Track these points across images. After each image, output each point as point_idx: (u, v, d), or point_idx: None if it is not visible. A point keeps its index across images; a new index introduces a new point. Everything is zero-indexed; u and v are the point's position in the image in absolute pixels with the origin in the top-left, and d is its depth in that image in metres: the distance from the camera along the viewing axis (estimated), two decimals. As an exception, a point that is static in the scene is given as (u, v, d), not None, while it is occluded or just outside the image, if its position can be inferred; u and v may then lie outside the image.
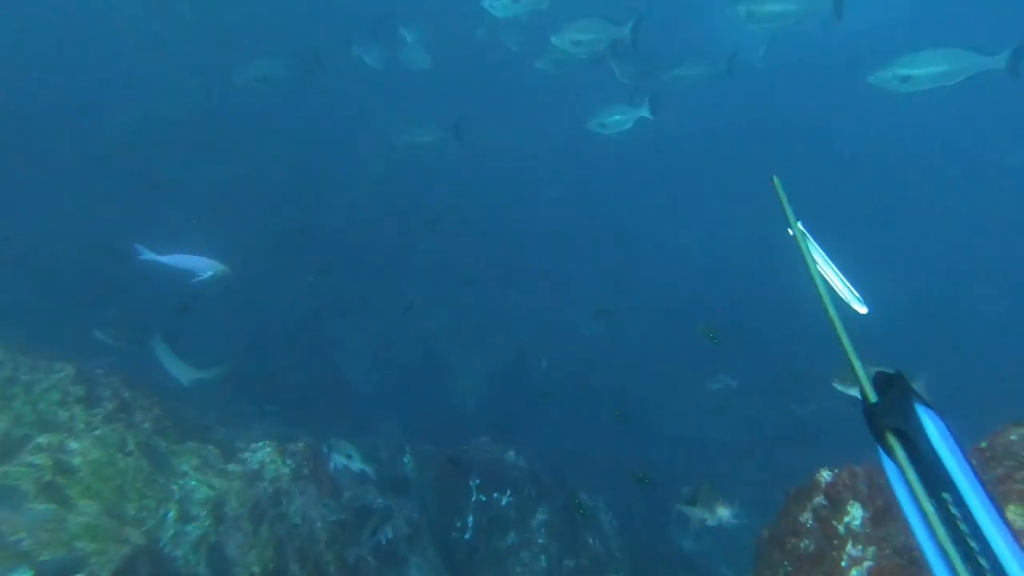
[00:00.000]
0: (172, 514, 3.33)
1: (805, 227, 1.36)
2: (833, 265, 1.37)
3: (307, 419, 6.15)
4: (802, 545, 3.38)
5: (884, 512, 3.01)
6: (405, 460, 6.30)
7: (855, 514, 3.16)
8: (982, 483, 0.95)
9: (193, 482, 3.51)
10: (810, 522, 3.43)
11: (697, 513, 4.67)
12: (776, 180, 1.46)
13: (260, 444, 4.28)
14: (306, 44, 7.84)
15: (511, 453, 6.92)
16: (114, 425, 3.56)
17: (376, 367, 8.01)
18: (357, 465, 4.82)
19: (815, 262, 1.34)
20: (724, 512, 4.51)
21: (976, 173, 11.33)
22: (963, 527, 0.90)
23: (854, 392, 3.71)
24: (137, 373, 4.50)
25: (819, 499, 3.44)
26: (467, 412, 8.05)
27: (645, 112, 6.48)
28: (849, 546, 3.02)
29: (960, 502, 0.92)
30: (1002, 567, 0.86)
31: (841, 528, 3.19)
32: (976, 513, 0.91)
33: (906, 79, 5.04)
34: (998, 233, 10.55)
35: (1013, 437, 2.45)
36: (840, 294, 1.35)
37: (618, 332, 8.83)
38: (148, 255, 4.98)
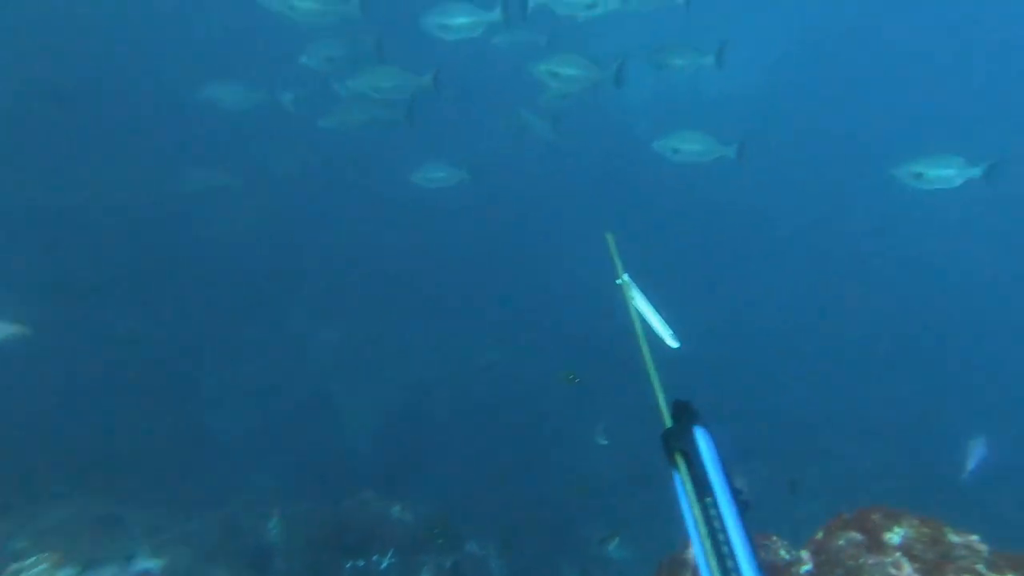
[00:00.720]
0: None
1: (630, 277, 1.65)
2: (653, 309, 1.65)
3: (143, 487, 5.23)
4: (671, 627, 3.32)
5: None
6: (271, 526, 5.62)
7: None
8: (731, 488, 1.24)
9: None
10: (677, 603, 3.39)
11: None
12: (609, 236, 1.77)
13: (31, 560, 3.40)
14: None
15: (396, 508, 6.48)
16: None
17: (246, 413, 7.15)
18: (140, 566, 3.98)
19: (636, 305, 1.63)
20: None
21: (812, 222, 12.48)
22: (716, 524, 1.17)
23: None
24: None
25: (686, 579, 3.42)
26: (355, 458, 7.45)
27: (466, 174, 6.98)
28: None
29: (715, 504, 1.20)
30: (735, 553, 1.13)
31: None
32: (724, 513, 1.18)
33: (676, 151, 6.06)
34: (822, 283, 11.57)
35: (841, 542, 2.50)
36: (658, 331, 1.63)
37: (518, 365, 8.71)
38: None
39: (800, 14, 15.98)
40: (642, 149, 6.71)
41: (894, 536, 2.42)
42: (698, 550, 1.16)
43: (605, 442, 6.37)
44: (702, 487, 1.23)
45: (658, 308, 1.66)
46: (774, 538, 3.21)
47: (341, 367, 8.27)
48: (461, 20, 5.84)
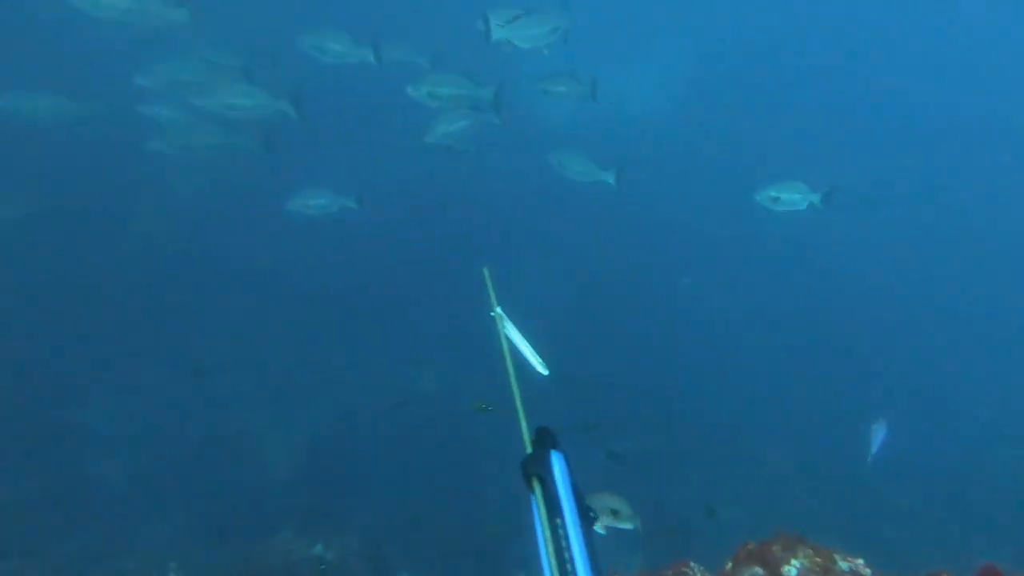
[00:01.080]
0: None
1: (503, 311, 1.78)
2: (524, 339, 1.79)
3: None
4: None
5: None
6: (169, 583, 5.07)
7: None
8: (580, 509, 1.35)
9: None
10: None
11: None
12: (485, 271, 1.93)
13: None
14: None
15: (319, 547, 6.08)
16: None
17: (138, 457, 6.40)
18: None
19: (509, 337, 1.75)
20: None
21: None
22: (563, 543, 1.27)
23: (623, 524, 3.60)
24: None
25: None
26: (271, 497, 6.92)
27: (350, 202, 6.92)
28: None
29: (564, 525, 1.30)
30: (576, 570, 1.23)
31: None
32: (570, 532, 1.28)
33: (561, 166, 6.75)
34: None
35: (744, 578, 2.52)
36: (530, 360, 1.76)
37: (446, 387, 8.50)
38: None
39: (709, 35, 17.02)
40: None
41: (791, 569, 2.47)
42: (546, 568, 1.25)
43: None
44: (554, 509, 1.33)
45: (529, 339, 1.81)
46: (691, 564, 3.23)
47: (253, 399, 7.69)
48: (336, 47, 5.70)
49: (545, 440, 1.49)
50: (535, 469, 1.42)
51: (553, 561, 1.25)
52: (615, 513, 3.83)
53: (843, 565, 2.52)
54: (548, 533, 1.29)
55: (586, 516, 1.38)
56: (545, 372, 1.77)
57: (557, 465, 1.42)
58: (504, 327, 1.77)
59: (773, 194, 6.07)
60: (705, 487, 8.35)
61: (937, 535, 8.20)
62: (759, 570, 2.55)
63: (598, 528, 4.02)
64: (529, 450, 1.47)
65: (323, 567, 5.27)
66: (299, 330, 8.47)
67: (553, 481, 1.38)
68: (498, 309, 1.80)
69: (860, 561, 2.57)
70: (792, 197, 6.01)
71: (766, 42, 17.58)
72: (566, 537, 1.28)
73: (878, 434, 6.50)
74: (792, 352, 11.23)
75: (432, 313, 9.14)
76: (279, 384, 7.98)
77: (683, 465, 8.71)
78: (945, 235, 14.78)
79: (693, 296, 11.62)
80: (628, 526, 3.85)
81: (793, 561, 2.50)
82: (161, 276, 7.68)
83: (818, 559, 2.50)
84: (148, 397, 6.75)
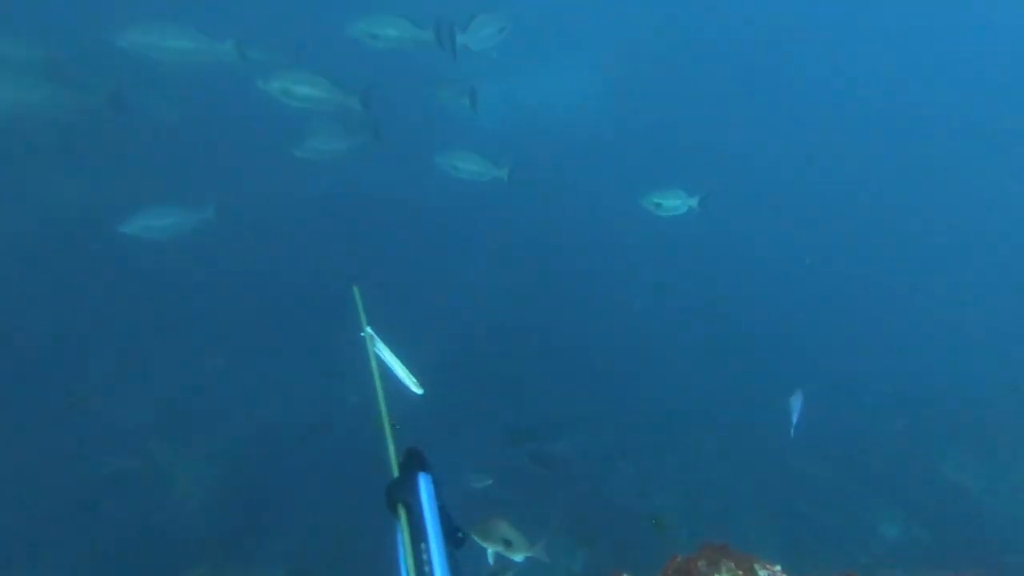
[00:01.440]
0: None
1: (374, 331, 1.73)
2: (396, 359, 1.77)
3: None
4: None
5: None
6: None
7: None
8: (446, 530, 1.37)
9: None
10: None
11: None
12: (356, 290, 1.92)
13: None
14: None
15: (237, 581, 5.59)
16: None
17: (17, 498, 5.56)
18: None
19: (380, 357, 1.72)
20: None
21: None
22: (427, 568, 1.31)
23: (515, 556, 3.44)
24: None
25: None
26: (184, 528, 6.29)
27: (209, 214, 6.69)
28: None
29: (428, 549, 1.34)
30: None
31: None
32: (434, 556, 1.31)
33: (452, 168, 6.64)
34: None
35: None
36: (403, 379, 1.74)
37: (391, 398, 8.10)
38: None
39: (626, 29, 17.40)
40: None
41: (714, 584, 2.47)
42: None
43: (489, 481, 6.07)
44: (419, 533, 1.32)
45: (403, 358, 1.78)
46: (624, 576, 3.21)
47: (148, 427, 6.93)
48: (183, 43, 5.08)
49: (414, 462, 1.47)
50: (400, 495, 1.39)
51: None
52: (508, 543, 3.69)
53: (762, 574, 2.55)
54: (411, 560, 1.26)
55: (453, 537, 1.36)
56: (419, 391, 1.76)
57: (425, 488, 1.40)
58: (375, 347, 1.74)
59: (656, 200, 6.30)
60: (640, 481, 8.58)
61: (842, 502, 8.93)
62: (685, 587, 2.53)
63: (489, 554, 3.90)
64: (396, 474, 1.44)
65: None
66: (201, 347, 7.73)
67: (420, 505, 1.36)
68: (368, 329, 1.77)
69: (778, 568, 2.62)
70: (673, 203, 6.27)
71: (691, 37, 18.18)
72: (429, 563, 1.27)
73: (796, 407, 6.92)
74: (711, 341, 11.79)
75: (349, 323, 8.66)
76: (180, 409, 7.24)
77: (618, 460, 8.91)
78: (845, 223, 16.06)
79: (618, 297, 11.90)
80: (519, 558, 3.71)
81: (716, 576, 2.50)
82: (22, 293, 6.67)
83: (740, 572, 2.52)
84: (10, 437, 5.84)
